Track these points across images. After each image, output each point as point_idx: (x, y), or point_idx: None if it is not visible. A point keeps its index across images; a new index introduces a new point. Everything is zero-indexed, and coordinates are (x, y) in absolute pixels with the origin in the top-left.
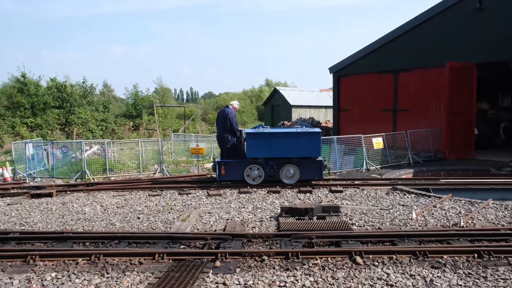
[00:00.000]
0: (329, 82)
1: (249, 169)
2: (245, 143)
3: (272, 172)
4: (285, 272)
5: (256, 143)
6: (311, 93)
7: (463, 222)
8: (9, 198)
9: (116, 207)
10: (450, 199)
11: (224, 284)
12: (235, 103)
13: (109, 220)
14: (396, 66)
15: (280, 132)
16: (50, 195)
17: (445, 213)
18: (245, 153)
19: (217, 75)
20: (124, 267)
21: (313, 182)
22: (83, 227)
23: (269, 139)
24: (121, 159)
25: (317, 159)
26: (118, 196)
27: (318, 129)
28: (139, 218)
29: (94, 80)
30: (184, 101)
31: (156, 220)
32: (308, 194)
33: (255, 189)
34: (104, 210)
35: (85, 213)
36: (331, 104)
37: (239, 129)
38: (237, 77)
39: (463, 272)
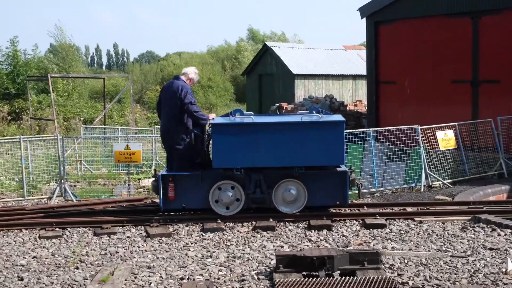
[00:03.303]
0: (360, 34)
1: (217, 190)
2: (211, 143)
3: (259, 194)
4: None
5: (229, 142)
6: (328, 53)
7: None
8: None
9: None
10: None
11: None
12: (190, 72)
13: None
14: (475, 5)
15: (272, 123)
16: None
17: None
18: (211, 160)
19: (162, 22)
20: None
21: (332, 211)
22: None
23: (253, 136)
24: None
25: (339, 169)
26: None
27: (339, 117)
28: (22, 280)
29: None
30: (104, 67)
31: (53, 283)
32: (324, 231)
33: (231, 224)
34: None
35: None
36: (363, 71)
37: (204, 116)
38: (197, 25)
39: None
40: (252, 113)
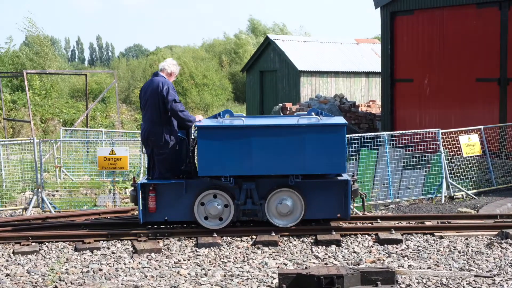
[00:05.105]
0: (374, 25)
1: (201, 202)
2: (197, 148)
3: (250, 205)
4: None
5: (217, 147)
6: (338, 47)
7: None
8: None
9: None
10: None
11: None
12: (167, 64)
13: None
14: None
15: (265, 126)
16: None
17: None
18: (197, 166)
19: (151, 12)
20: None
21: (342, 224)
22: None
23: (243, 140)
24: None
25: (340, 178)
26: None
27: (340, 119)
28: None
29: None
30: (86, 63)
31: None
32: (333, 247)
33: (229, 239)
34: None
35: None
36: (377, 68)
37: (190, 117)
38: (190, 16)
39: None
40: (244, 115)
